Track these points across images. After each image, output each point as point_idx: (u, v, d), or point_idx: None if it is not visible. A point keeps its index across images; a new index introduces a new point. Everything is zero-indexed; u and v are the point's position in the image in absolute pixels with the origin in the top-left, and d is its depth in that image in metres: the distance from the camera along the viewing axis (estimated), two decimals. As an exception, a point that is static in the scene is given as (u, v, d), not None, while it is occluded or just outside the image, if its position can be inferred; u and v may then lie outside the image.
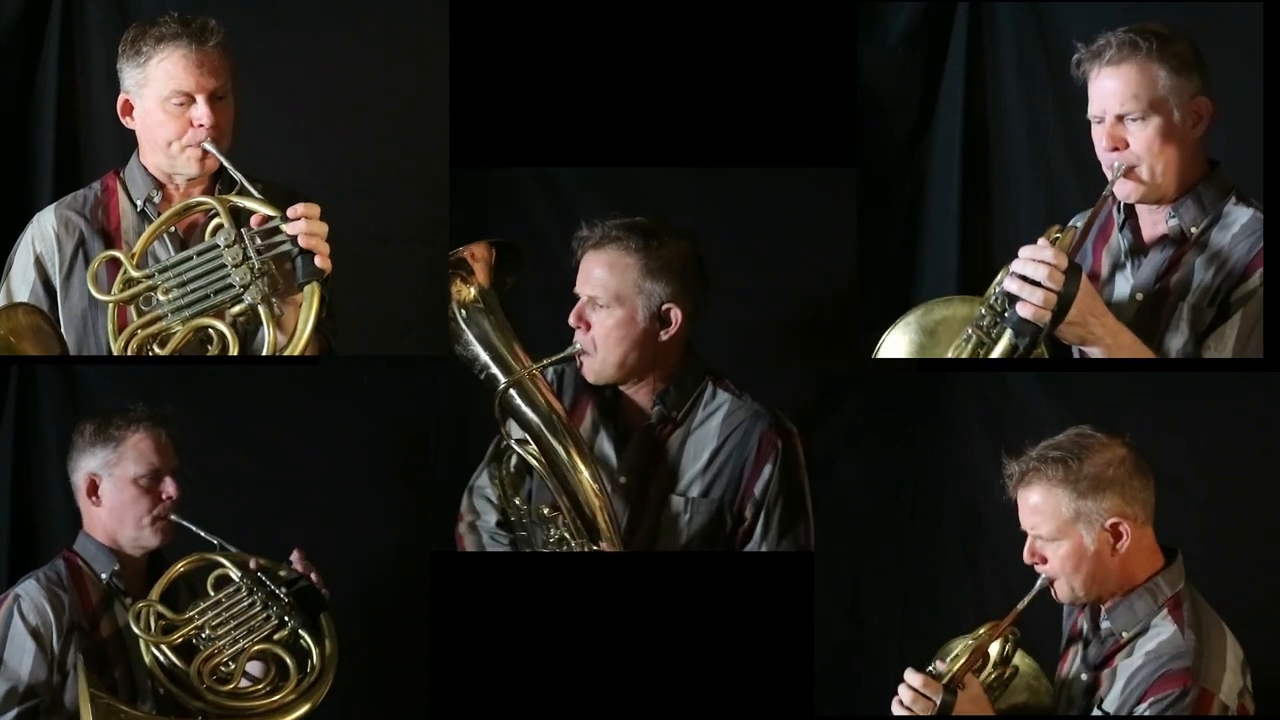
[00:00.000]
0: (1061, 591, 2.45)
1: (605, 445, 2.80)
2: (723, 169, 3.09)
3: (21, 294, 2.72)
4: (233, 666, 2.58)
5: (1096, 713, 2.43)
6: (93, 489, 2.65)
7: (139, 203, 2.73)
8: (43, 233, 2.73)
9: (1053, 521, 2.41)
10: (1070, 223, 2.64)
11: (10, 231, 2.80)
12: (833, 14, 3.05)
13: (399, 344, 3.16)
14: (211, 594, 2.62)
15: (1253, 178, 2.82)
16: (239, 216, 2.61)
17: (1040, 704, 2.58)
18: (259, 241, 2.57)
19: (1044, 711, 2.58)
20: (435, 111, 3.03)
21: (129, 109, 2.70)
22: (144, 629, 2.56)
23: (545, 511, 2.74)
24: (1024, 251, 2.43)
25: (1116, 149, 2.52)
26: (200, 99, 2.62)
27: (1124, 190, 2.55)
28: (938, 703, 2.40)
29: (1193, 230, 2.56)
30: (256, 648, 2.60)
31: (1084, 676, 2.49)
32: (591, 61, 3.03)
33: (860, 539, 3.18)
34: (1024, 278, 2.41)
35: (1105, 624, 2.46)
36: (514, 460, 2.79)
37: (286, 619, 2.61)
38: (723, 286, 2.87)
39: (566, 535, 2.72)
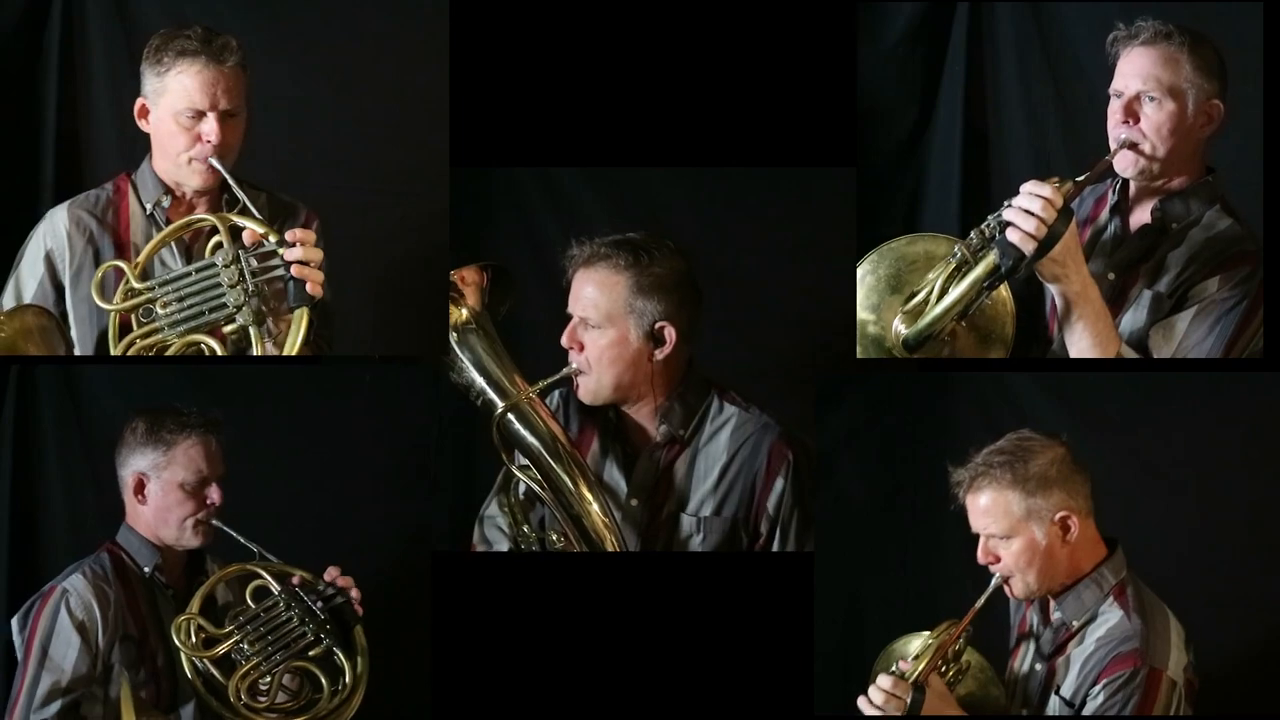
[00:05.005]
0: (1017, 588, 2.53)
1: (613, 470, 2.73)
2: (723, 169, 3.09)
3: (29, 288, 2.74)
4: (269, 681, 2.59)
5: (1054, 700, 2.51)
6: (140, 488, 2.67)
7: (148, 206, 2.76)
8: (54, 230, 2.75)
9: (1005, 521, 2.50)
10: None
11: (13, 234, 2.81)
12: (833, 14, 3.05)
13: (399, 344, 3.16)
14: (251, 605, 2.63)
15: (1251, 178, 2.83)
16: (239, 235, 2.61)
17: (986, 694, 2.64)
18: (255, 264, 2.57)
19: (991, 700, 2.64)
20: (435, 111, 3.03)
21: (145, 113, 2.73)
22: (184, 641, 2.58)
23: (554, 538, 2.70)
24: (1025, 186, 2.51)
25: (1127, 122, 2.59)
26: (211, 115, 2.65)
27: (1123, 163, 2.62)
28: (908, 701, 2.48)
29: (1173, 226, 2.63)
30: (292, 664, 2.61)
31: (1038, 667, 2.57)
32: (592, 61, 3.03)
33: (860, 539, 3.18)
34: (1020, 208, 2.49)
35: (1056, 614, 2.55)
36: (522, 488, 2.72)
37: (321, 636, 2.62)
38: (722, 287, 2.87)
39: None
